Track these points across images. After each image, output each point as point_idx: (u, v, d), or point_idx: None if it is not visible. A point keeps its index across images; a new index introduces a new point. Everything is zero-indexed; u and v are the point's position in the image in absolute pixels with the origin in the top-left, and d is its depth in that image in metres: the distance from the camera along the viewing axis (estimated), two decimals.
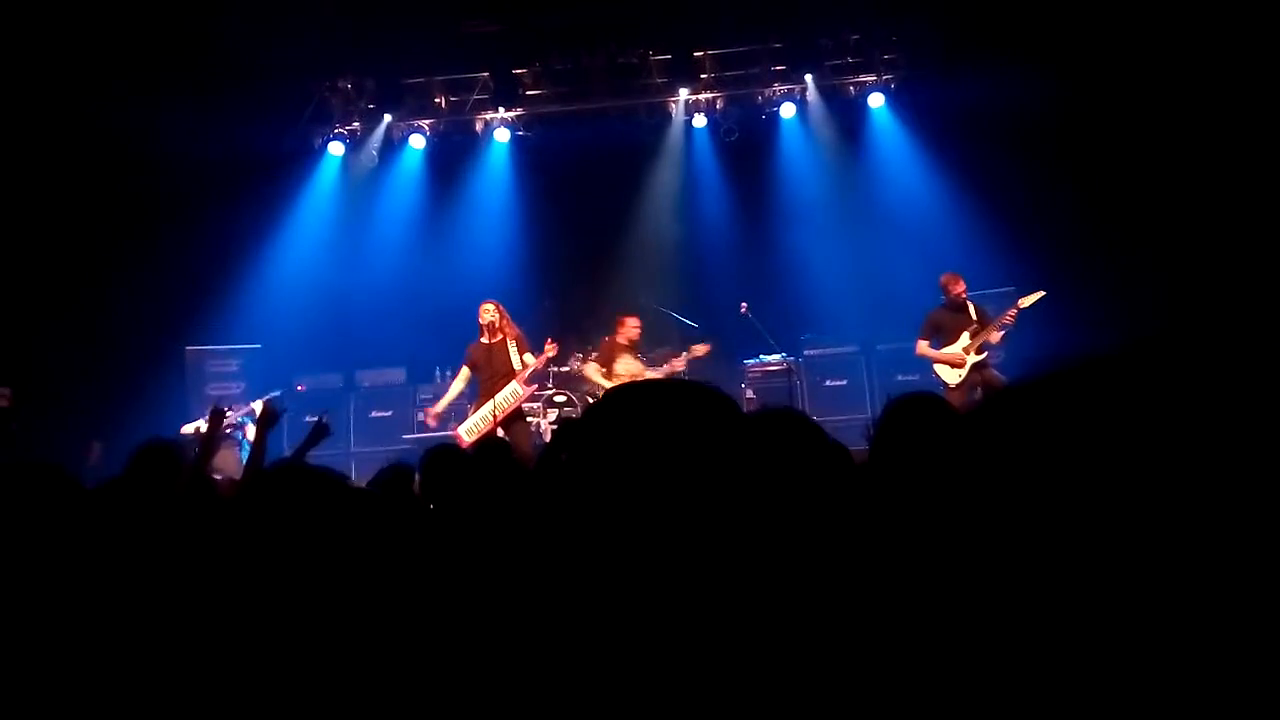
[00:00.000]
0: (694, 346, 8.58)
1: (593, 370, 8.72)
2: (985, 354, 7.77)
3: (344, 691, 1.49)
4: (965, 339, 7.82)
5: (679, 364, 8.52)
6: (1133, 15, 8.64)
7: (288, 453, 6.96)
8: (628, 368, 8.53)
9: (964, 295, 7.93)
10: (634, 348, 8.70)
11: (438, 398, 10.13)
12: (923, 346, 8.04)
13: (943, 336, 7.95)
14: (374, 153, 11.02)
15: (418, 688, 1.44)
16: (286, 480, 1.62)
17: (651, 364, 8.69)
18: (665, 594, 0.90)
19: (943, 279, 8.05)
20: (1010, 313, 7.64)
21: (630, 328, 8.64)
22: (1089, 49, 8.93)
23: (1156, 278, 8.72)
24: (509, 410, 7.73)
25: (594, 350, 9.12)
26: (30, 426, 8.48)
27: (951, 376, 7.85)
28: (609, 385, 8.12)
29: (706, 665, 0.87)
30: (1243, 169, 8.26)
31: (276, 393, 8.85)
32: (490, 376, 7.85)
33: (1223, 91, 8.35)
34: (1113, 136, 9.08)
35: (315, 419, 4.32)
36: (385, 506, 2.60)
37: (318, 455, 4.39)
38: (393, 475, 3.25)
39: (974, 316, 7.86)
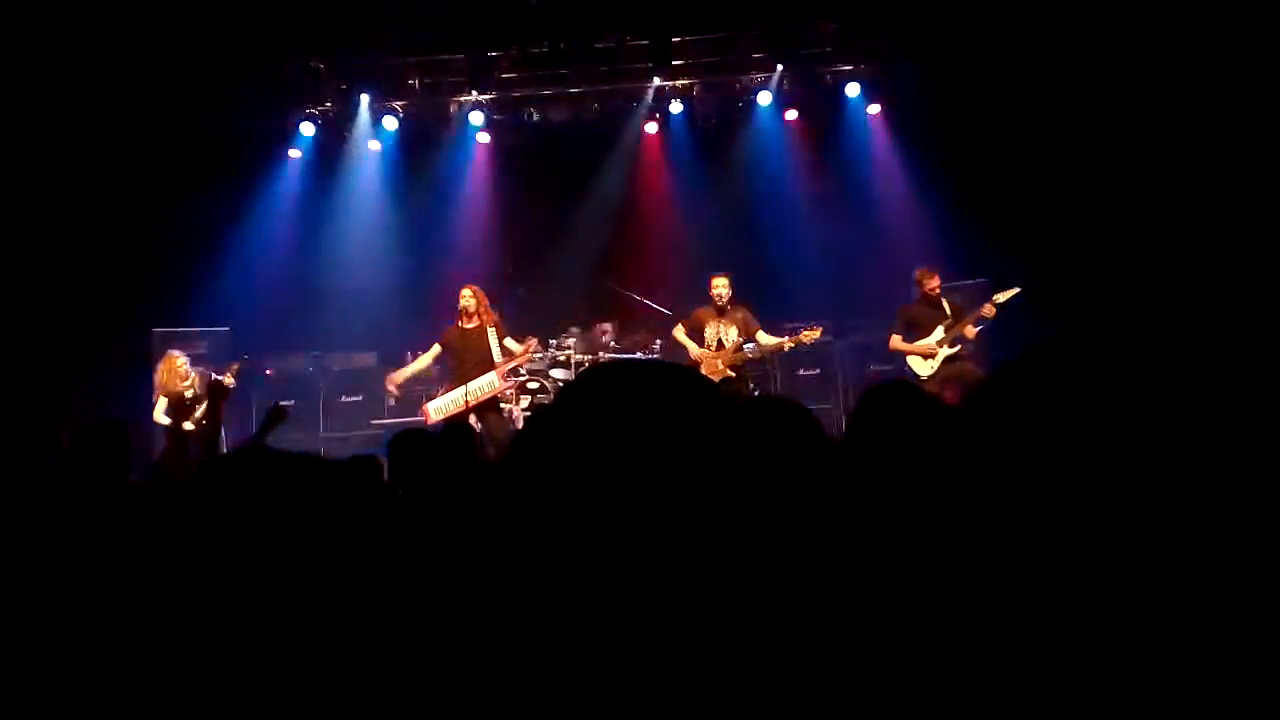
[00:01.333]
0: (804, 331, 7.85)
1: (679, 332, 8.13)
2: (958, 347, 7.78)
3: (306, 679, 1.46)
4: (939, 333, 7.84)
5: (785, 344, 7.86)
6: (1109, 14, 8.69)
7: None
8: (715, 334, 7.94)
9: (938, 291, 7.94)
10: (721, 312, 7.93)
11: (408, 382, 10.10)
12: (895, 341, 8.06)
13: (916, 331, 7.97)
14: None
15: (385, 677, 1.41)
16: (245, 464, 1.58)
17: (736, 327, 7.90)
18: (640, 585, 0.89)
19: (917, 274, 8.03)
20: (985, 308, 7.65)
21: (714, 288, 7.95)
22: (1065, 46, 8.98)
23: (1128, 270, 8.81)
24: (482, 399, 7.68)
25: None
26: None
27: (923, 368, 7.87)
28: (691, 346, 7.90)
29: (682, 657, 0.85)
30: (1214, 162, 8.34)
31: (244, 357, 8.66)
32: (464, 363, 7.79)
33: (1195, 87, 8.42)
34: (1087, 132, 9.14)
35: (274, 403, 4.24)
36: (348, 489, 2.56)
37: (289, 442, 4.33)
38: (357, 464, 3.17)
39: (948, 312, 7.88)
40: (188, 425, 8.00)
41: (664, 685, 0.83)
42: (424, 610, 1.45)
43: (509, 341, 7.85)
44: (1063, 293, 8.78)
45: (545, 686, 0.86)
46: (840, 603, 0.96)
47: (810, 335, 7.85)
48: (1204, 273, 8.05)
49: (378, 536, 2.05)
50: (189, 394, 8.09)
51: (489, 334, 7.79)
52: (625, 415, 0.93)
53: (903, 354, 8.01)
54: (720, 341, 7.91)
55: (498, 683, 0.92)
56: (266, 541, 1.60)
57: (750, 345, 7.93)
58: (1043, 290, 8.41)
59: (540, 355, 9.64)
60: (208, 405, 4.13)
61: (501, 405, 8.54)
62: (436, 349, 7.97)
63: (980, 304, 7.72)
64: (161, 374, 8.19)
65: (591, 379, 1.01)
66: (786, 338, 7.91)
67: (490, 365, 7.72)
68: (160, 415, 8.12)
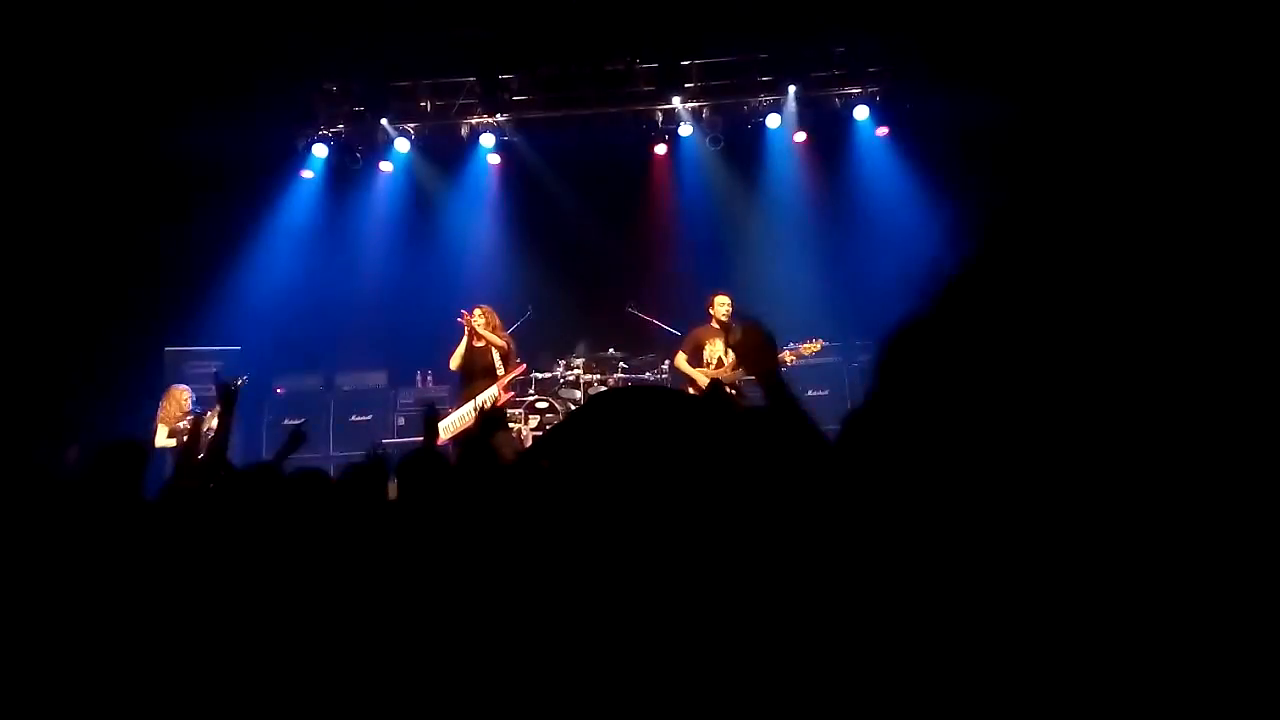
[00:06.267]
0: (803, 344, 7.80)
1: (681, 360, 7.96)
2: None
3: (316, 686, 1.47)
4: None
5: (788, 357, 7.78)
6: (1110, 37, 8.71)
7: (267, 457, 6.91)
8: (716, 353, 7.79)
9: None
10: (726, 330, 7.73)
11: (419, 402, 10.15)
12: None
13: None
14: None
15: (394, 685, 1.43)
16: (260, 482, 1.61)
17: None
18: (647, 599, 0.90)
19: None
20: None
21: (718, 306, 7.81)
22: (1064, 69, 9.00)
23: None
24: None
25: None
26: (5, 429, 8.38)
27: None
28: (698, 376, 7.75)
29: (687, 669, 0.87)
30: (1223, 174, 8.32)
31: (244, 378, 8.72)
32: (471, 379, 7.94)
33: (1201, 98, 8.42)
34: (1086, 152, 9.14)
35: (295, 424, 4.32)
36: (358, 506, 2.58)
37: (296, 459, 4.36)
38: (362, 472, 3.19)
39: None
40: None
41: (658, 690, 0.85)
42: (425, 616, 1.46)
43: (496, 357, 8.02)
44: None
45: (544, 692, 0.87)
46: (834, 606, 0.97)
47: (810, 349, 7.77)
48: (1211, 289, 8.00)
49: (382, 549, 2.07)
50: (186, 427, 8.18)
51: (493, 351, 7.95)
52: (631, 440, 0.95)
53: None
54: (720, 360, 7.82)
55: (498, 684, 0.93)
56: (274, 554, 1.62)
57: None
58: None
59: (549, 375, 9.70)
60: (219, 411, 4.14)
61: (511, 424, 8.58)
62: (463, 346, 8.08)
63: None
64: (165, 406, 8.30)
65: (602, 403, 1.03)
66: (786, 353, 7.87)
67: (494, 379, 7.87)
68: (162, 440, 8.19)
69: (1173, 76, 8.31)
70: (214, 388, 4.28)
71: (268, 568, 1.51)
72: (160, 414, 8.28)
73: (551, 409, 9.52)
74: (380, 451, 3.69)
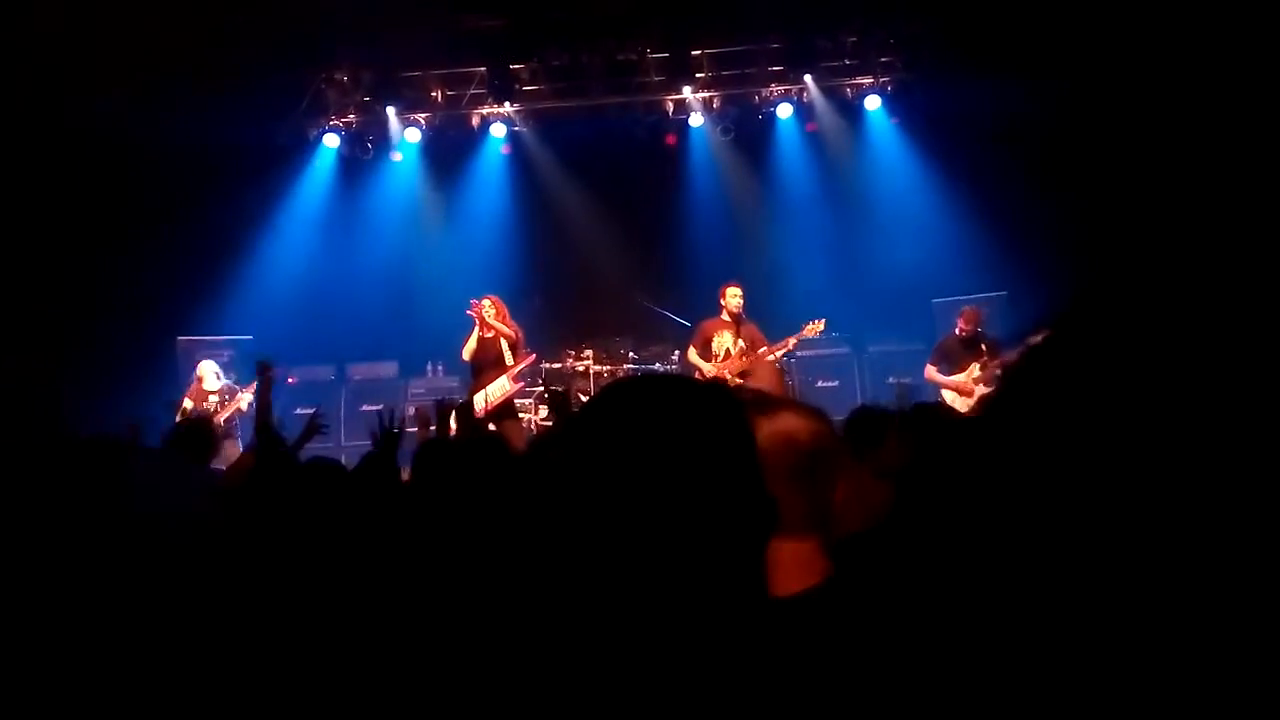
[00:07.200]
0: (806, 326, 7.93)
1: (693, 355, 8.10)
2: (994, 388, 7.63)
3: (338, 679, 1.49)
4: (975, 370, 7.83)
5: (790, 342, 7.97)
6: (1124, 23, 8.65)
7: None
8: (724, 345, 7.91)
9: (969, 332, 7.94)
10: (737, 321, 7.91)
11: (430, 392, 10.17)
12: (930, 371, 8.11)
13: (948, 365, 7.98)
14: None
15: (411, 676, 1.44)
16: (289, 476, 1.62)
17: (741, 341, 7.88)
18: (654, 596, 0.90)
19: (965, 310, 8.12)
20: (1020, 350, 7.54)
21: (729, 298, 7.93)
22: (1081, 56, 8.94)
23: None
24: (498, 404, 7.76)
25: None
26: (14, 417, 8.44)
27: (960, 405, 7.80)
28: (709, 368, 7.85)
29: (697, 668, 0.87)
30: (1231, 176, 8.27)
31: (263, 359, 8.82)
32: (481, 370, 7.94)
33: (1214, 98, 8.36)
34: (1104, 142, 9.09)
35: (311, 413, 4.41)
36: (373, 495, 2.60)
37: (308, 448, 4.40)
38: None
39: (985, 350, 7.86)
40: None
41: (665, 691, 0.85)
42: (436, 605, 1.47)
43: (505, 347, 8.01)
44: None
45: (546, 691, 0.88)
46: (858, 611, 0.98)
47: (813, 329, 7.90)
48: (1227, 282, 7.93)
49: (395, 538, 2.09)
50: (213, 401, 8.29)
51: (501, 341, 7.95)
52: (647, 429, 0.95)
53: (939, 386, 8.03)
54: (728, 352, 7.93)
55: (501, 680, 0.93)
56: (291, 543, 1.64)
57: (768, 349, 7.95)
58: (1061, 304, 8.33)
59: (558, 365, 9.71)
60: (257, 389, 4.39)
61: (520, 415, 8.59)
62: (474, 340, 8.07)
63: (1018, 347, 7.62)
64: (194, 386, 8.56)
65: (616, 392, 1.03)
66: (791, 338, 7.96)
67: (504, 369, 7.87)
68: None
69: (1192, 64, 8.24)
70: (257, 367, 4.52)
71: (285, 557, 1.52)
72: (188, 391, 8.57)
73: None
74: (394, 427, 3.72)
